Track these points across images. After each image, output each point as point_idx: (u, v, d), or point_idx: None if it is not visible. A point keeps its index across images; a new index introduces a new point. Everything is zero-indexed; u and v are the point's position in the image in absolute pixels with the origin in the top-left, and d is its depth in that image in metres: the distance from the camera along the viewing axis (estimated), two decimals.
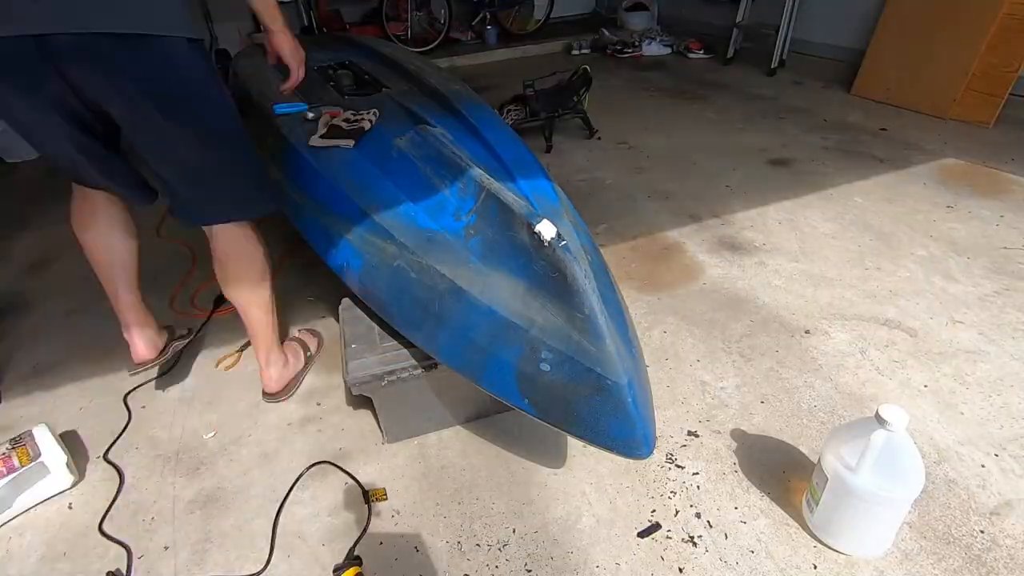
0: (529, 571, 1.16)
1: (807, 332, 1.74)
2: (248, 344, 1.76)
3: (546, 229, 1.04)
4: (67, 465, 1.35)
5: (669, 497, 1.28)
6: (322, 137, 1.61)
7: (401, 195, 1.36)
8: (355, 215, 1.39)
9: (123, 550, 1.24)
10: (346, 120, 1.66)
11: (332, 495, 1.33)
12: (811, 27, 4.10)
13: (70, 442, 1.46)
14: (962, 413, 1.45)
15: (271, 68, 1.74)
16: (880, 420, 0.99)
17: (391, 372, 1.30)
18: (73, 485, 1.38)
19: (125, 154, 1.29)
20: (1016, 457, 1.33)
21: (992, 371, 1.57)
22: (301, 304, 2.00)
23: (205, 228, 1.33)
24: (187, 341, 1.70)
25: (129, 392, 1.64)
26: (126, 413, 1.57)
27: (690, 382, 1.58)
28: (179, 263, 2.25)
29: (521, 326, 1.07)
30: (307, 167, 1.57)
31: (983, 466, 1.31)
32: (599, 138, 3.27)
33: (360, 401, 1.46)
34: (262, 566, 1.19)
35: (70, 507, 1.35)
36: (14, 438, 1.36)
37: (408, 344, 1.33)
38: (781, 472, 1.32)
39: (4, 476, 1.27)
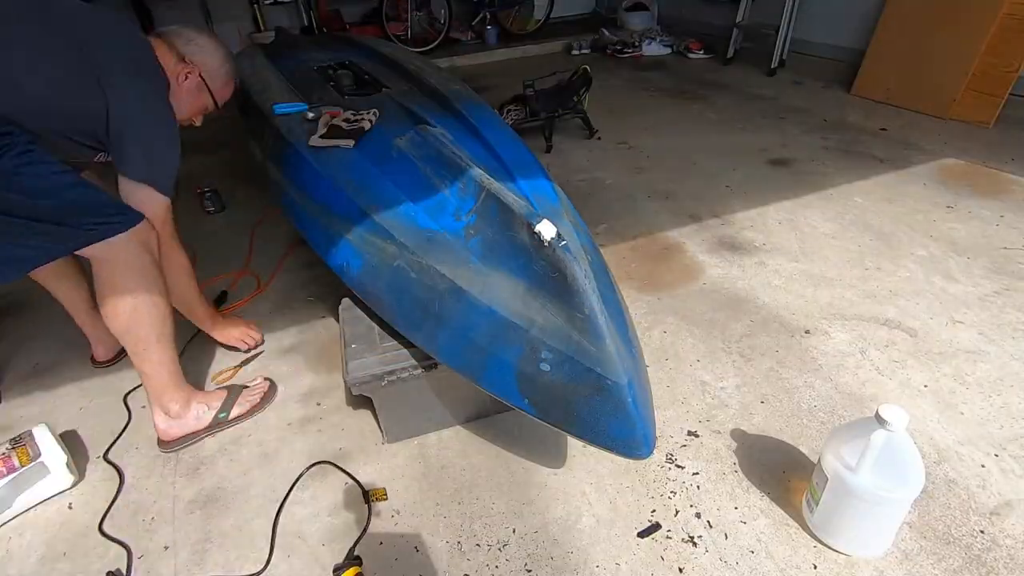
0: (529, 571, 1.16)
1: (807, 332, 1.74)
2: (245, 361, 1.75)
3: (546, 229, 1.04)
4: (67, 465, 1.35)
5: (669, 497, 1.28)
6: (322, 137, 1.61)
7: (401, 195, 1.36)
8: (355, 215, 1.39)
9: (123, 550, 1.24)
10: (346, 120, 1.66)
11: (332, 495, 1.33)
12: (811, 27, 4.11)
13: (70, 442, 1.46)
14: (962, 413, 1.45)
15: (271, 68, 1.75)
16: (880, 420, 0.99)
17: (391, 372, 1.30)
18: (73, 485, 1.38)
19: None
20: (1016, 457, 1.33)
21: (992, 371, 1.57)
22: (301, 304, 2.00)
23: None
24: None
25: (129, 392, 1.64)
26: (126, 413, 1.57)
27: (690, 382, 1.58)
28: None
29: (521, 326, 1.07)
30: (307, 167, 1.57)
31: (983, 466, 1.31)
32: (599, 138, 3.27)
33: (360, 401, 1.46)
34: (262, 566, 1.19)
35: (70, 507, 1.35)
36: (14, 438, 1.36)
37: (408, 344, 1.33)
38: (781, 472, 1.32)
39: (4, 476, 1.27)
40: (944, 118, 3.21)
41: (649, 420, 1.05)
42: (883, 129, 3.17)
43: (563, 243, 1.03)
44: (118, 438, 1.50)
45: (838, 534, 1.13)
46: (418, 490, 1.33)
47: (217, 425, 1.49)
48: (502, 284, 1.11)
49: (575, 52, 5.28)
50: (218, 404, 1.50)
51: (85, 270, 1.45)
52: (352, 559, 1.16)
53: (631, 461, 1.34)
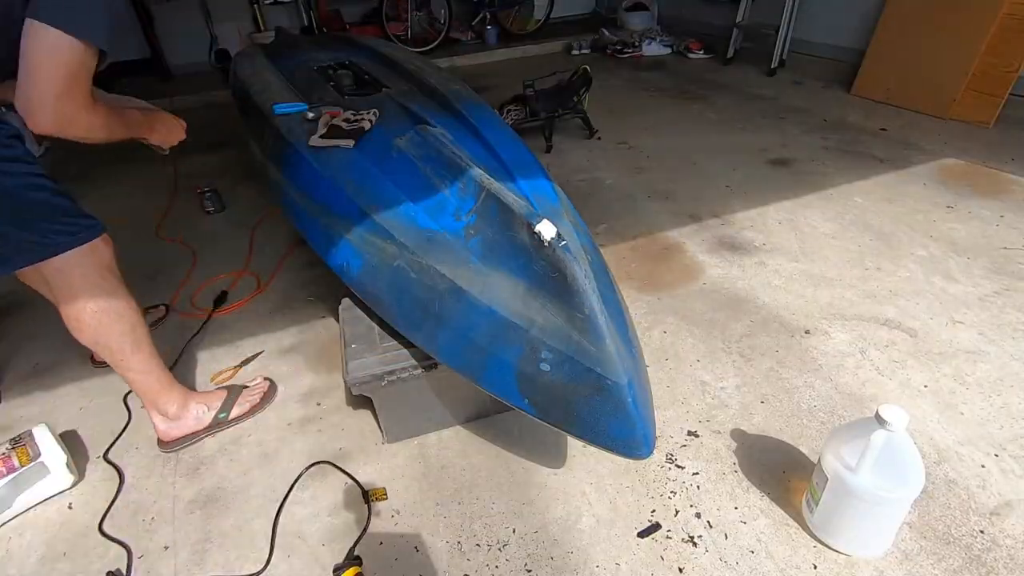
0: (529, 571, 1.16)
1: (807, 332, 1.74)
2: (245, 361, 1.75)
3: (546, 229, 1.04)
4: (67, 465, 1.35)
5: (669, 497, 1.28)
6: (322, 137, 1.61)
7: (401, 195, 1.36)
8: (355, 215, 1.39)
9: (123, 550, 1.24)
10: (346, 120, 1.66)
11: (332, 495, 1.33)
12: (811, 27, 4.11)
13: (70, 442, 1.46)
14: (962, 413, 1.45)
15: (271, 68, 1.74)
16: (880, 420, 0.99)
17: (391, 372, 1.30)
18: (73, 485, 1.38)
19: None
20: (1016, 457, 1.33)
21: (992, 371, 1.57)
22: (301, 304, 2.00)
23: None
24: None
25: (129, 392, 1.64)
26: (126, 413, 1.57)
27: (690, 382, 1.58)
28: (179, 263, 2.25)
29: (521, 326, 1.07)
30: (307, 167, 1.57)
31: (983, 466, 1.31)
32: (599, 138, 3.27)
33: (360, 401, 1.46)
34: (262, 566, 1.19)
35: (70, 507, 1.35)
36: (14, 438, 1.36)
37: (408, 344, 1.33)
38: (781, 472, 1.32)
39: (4, 476, 1.27)
40: (944, 118, 3.21)
41: (649, 420, 1.05)
42: (883, 129, 3.17)
43: (563, 243, 1.03)
44: (118, 438, 1.50)
45: (838, 534, 1.13)
46: (418, 490, 1.33)
47: (217, 425, 1.49)
48: (502, 284, 1.11)
49: (575, 52, 5.28)
50: (218, 404, 1.50)
51: None
52: (352, 559, 1.16)
53: (631, 461, 1.34)
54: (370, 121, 1.64)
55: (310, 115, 1.74)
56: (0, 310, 2.05)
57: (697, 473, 1.33)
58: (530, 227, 1.05)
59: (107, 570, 1.19)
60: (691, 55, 4.82)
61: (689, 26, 5.16)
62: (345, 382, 1.31)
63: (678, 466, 1.35)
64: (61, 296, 1.21)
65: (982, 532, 1.18)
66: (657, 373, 1.61)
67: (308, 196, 1.56)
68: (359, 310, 1.47)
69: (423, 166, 1.37)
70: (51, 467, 1.33)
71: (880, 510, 1.05)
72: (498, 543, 1.21)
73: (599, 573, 1.15)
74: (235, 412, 1.51)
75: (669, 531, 1.21)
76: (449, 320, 1.16)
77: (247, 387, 1.59)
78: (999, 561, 1.13)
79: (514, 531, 1.23)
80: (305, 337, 1.84)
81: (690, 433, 1.43)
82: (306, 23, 5.14)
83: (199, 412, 1.47)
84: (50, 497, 1.36)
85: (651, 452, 1.02)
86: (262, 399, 1.56)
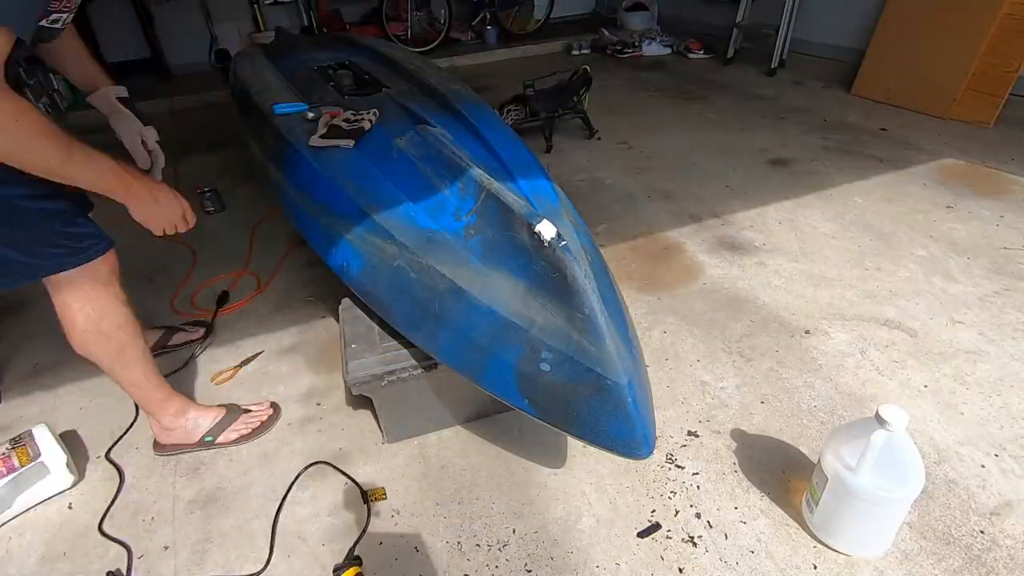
0: (529, 571, 1.16)
1: (807, 332, 1.74)
2: (246, 361, 1.75)
3: (546, 229, 1.04)
4: (67, 465, 1.35)
5: (669, 497, 1.28)
6: (322, 137, 1.61)
7: (401, 195, 1.36)
8: (355, 215, 1.39)
9: (123, 550, 1.24)
10: (346, 120, 1.66)
11: (332, 495, 1.33)
12: (811, 27, 4.11)
13: (70, 442, 1.46)
14: (962, 413, 1.45)
15: (271, 68, 1.74)
16: (880, 420, 0.99)
17: (391, 372, 1.30)
18: (73, 485, 1.38)
19: None
20: (1016, 457, 1.33)
21: (992, 371, 1.57)
22: (301, 304, 2.00)
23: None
24: (198, 337, 1.78)
25: None
26: (130, 411, 1.57)
27: (690, 382, 1.58)
28: (179, 263, 2.25)
29: (521, 326, 1.07)
30: (307, 167, 1.57)
31: (983, 466, 1.31)
32: (599, 138, 3.27)
33: (360, 401, 1.46)
34: (262, 566, 1.19)
35: (70, 507, 1.35)
36: (14, 438, 1.36)
37: (408, 344, 1.33)
38: (781, 472, 1.32)
39: (4, 476, 1.27)
40: (944, 118, 3.21)
41: (649, 420, 1.05)
42: (883, 129, 3.17)
43: (563, 243, 1.03)
44: (122, 437, 1.50)
45: (838, 534, 1.13)
46: (418, 490, 1.33)
47: (203, 446, 1.45)
48: (502, 284, 1.11)
49: (575, 52, 5.28)
50: (209, 424, 1.45)
51: None
52: (352, 559, 1.16)
53: (631, 461, 1.34)
54: (370, 121, 1.64)
55: (310, 115, 1.74)
56: (0, 310, 2.05)
57: (697, 473, 1.33)
58: (530, 227, 1.05)
59: (107, 570, 1.19)
60: (691, 55, 4.82)
61: (689, 26, 5.16)
62: (345, 382, 1.31)
63: (678, 466, 1.35)
64: (54, 303, 1.21)
65: (982, 532, 1.18)
66: (657, 373, 1.61)
67: (308, 196, 1.56)
68: (359, 310, 1.47)
69: (423, 166, 1.37)
70: (51, 467, 1.33)
71: (880, 510, 1.05)
72: (498, 543, 1.21)
73: (599, 573, 1.15)
74: (225, 437, 1.46)
75: (669, 531, 1.21)
76: (449, 320, 1.16)
77: (249, 411, 1.52)
78: (999, 561, 1.13)
79: (514, 531, 1.23)
80: (305, 337, 1.84)
81: (690, 433, 1.43)
82: (306, 23, 5.14)
83: (191, 425, 1.43)
84: (50, 497, 1.36)
85: (651, 452, 1.02)
86: (260, 426, 1.50)
